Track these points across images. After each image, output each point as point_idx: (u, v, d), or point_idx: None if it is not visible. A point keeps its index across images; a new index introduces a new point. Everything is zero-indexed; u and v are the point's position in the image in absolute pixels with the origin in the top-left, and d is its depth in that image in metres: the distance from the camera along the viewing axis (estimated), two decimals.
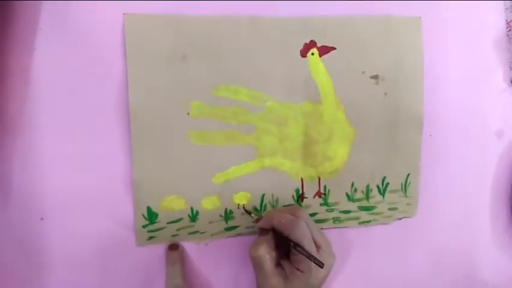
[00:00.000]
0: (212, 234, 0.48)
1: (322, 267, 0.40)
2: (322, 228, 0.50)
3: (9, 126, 0.42)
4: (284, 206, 0.49)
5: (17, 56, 0.42)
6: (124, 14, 0.42)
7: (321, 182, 0.50)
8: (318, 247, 0.42)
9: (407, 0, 0.49)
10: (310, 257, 0.40)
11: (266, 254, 0.42)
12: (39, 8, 0.41)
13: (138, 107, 0.43)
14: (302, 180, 0.49)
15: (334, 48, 0.48)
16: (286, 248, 0.43)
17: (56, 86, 0.42)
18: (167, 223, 0.46)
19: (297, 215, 0.43)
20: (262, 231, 0.44)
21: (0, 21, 0.41)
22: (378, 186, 0.51)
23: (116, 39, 0.43)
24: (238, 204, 0.48)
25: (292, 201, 0.49)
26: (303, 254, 0.41)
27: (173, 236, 0.47)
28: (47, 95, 0.42)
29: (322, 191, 0.50)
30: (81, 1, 0.42)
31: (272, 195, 0.48)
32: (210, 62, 0.45)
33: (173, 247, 0.46)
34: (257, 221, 0.45)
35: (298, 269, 0.41)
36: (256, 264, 0.42)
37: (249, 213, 0.47)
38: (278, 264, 0.43)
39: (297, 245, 0.41)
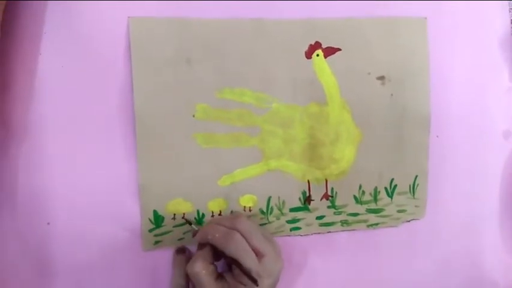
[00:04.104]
0: None
1: (256, 285, 0.38)
2: (329, 232, 0.50)
3: (14, 131, 0.42)
4: (291, 208, 0.49)
5: (23, 61, 0.42)
6: (128, 17, 0.43)
7: (328, 184, 0.49)
8: (260, 256, 0.40)
9: (412, 1, 0.49)
10: (245, 272, 0.39)
11: (202, 270, 0.39)
12: (44, 12, 0.42)
13: (143, 110, 0.43)
14: (309, 182, 0.49)
15: (340, 50, 0.48)
16: (229, 259, 0.41)
17: (61, 91, 0.43)
18: (173, 227, 0.46)
19: (233, 225, 0.41)
20: (200, 244, 0.42)
21: (6, 27, 0.41)
22: (385, 188, 0.51)
23: (121, 42, 0.43)
24: (245, 207, 0.47)
25: (299, 204, 0.49)
26: (239, 268, 0.39)
27: (179, 239, 0.46)
28: (53, 99, 0.43)
29: (329, 193, 0.49)
30: (86, 5, 0.42)
31: (278, 197, 0.48)
32: (214, 65, 0.45)
33: (180, 251, 0.46)
34: (194, 235, 0.43)
35: (240, 282, 0.40)
36: (195, 281, 0.40)
37: (189, 223, 0.45)
38: (221, 277, 0.41)
39: (234, 260, 0.39)
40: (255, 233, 0.41)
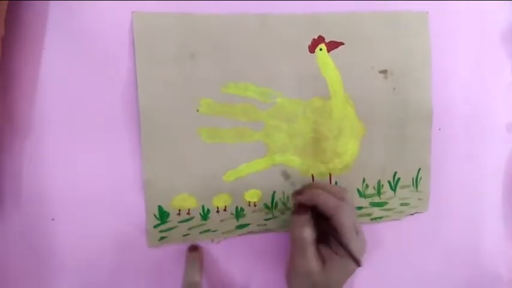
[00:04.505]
0: (223, 233, 0.47)
1: (359, 266, 0.39)
2: None
3: (18, 127, 0.42)
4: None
5: (26, 56, 0.42)
6: (132, 12, 0.42)
7: (332, 178, 0.49)
8: (357, 233, 0.41)
9: None
10: (349, 251, 0.39)
11: (309, 236, 0.40)
12: (48, 7, 0.41)
13: (147, 105, 0.43)
14: (313, 176, 0.49)
15: (342, 44, 0.48)
16: (321, 228, 0.41)
17: (65, 86, 0.42)
18: (178, 222, 0.46)
19: (345, 198, 0.41)
20: (301, 208, 0.42)
21: (10, 22, 0.41)
22: (389, 182, 0.51)
23: (125, 38, 0.43)
24: (249, 202, 0.47)
25: None
26: (342, 245, 0.39)
27: (185, 235, 0.46)
28: (56, 95, 0.42)
29: None
30: (90, 0, 0.42)
31: (283, 192, 0.48)
32: (218, 59, 0.45)
33: (193, 249, 0.46)
34: (298, 194, 0.43)
35: (336, 253, 0.40)
36: (298, 247, 0.40)
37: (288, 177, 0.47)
38: (316, 248, 0.41)
39: (336, 233, 0.40)
40: (354, 213, 0.42)
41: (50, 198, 0.43)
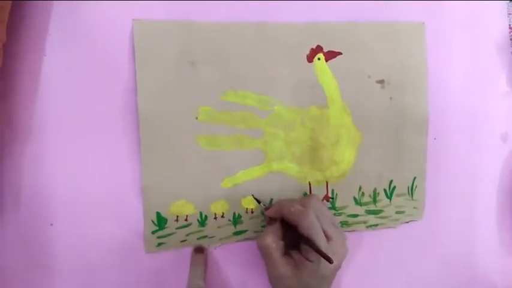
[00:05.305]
0: (221, 239, 0.48)
1: (331, 263, 0.39)
2: None
3: (18, 132, 0.42)
4: None
5: (27, 63, 0.42)
6: (133, 20, 0.43)
7: (328, 186, 0.50)
8: (328, 238, 0.42)
9: (411, 6, 0.50)
10: (318, 250, 0.40)
11: (273, 243, 0.42)
12: (49, 14, 0.42)
13: (147, 113, 0.44)
14: (310, 184, 0.49)
15: (340, 53, 0.48)
16: (295, 237, 0.42)
17: (66, 92, 0.43)
18: (176, 228, 0.46)
19: (308, 205, 0.43)
20: (271, 220, 0.45)
21: (11, 28, 0.41)
22: (384, 190, 0.51)
23: (125, 45, 0.43)
24: (247, 209, 0.48)
25: None
26: (311, 247, 0.40)
27: (182, 241, 0.46)
28: (57, 101, 0.42)
29: (329, 195, 0.50)
30: (91, 7, 0.42)
31: (280, 199, 0.48)
32: (218, 67, 0.45)
33: (198, 250, 0.46)
34: (266, 209, 0.45)
35: (307, 259, 0.41)
36: (264, 254, 0.42)
37: (258, 201, 0.47)
38: (287, 254, 0.43)
39: (305, 237, 0.41)
40: (324, 217, 0.43)
41: (49, 203, 0.43)
